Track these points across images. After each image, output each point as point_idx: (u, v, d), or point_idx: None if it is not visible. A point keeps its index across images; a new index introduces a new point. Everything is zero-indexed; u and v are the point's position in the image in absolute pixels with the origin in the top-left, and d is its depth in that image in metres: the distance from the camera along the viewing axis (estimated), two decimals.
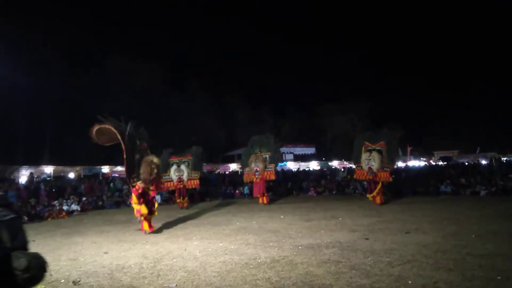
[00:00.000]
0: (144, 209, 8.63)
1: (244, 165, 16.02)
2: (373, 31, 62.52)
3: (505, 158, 28.86)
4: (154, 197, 9.43)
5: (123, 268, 5.69)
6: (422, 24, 56.91)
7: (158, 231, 9.03)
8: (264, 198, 14.56)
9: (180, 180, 14.67)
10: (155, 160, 9.06)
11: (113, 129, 8.63)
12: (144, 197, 8.86)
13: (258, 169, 14.55)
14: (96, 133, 8.81)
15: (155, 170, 8.96)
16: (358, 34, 63.15)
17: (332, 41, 62.19)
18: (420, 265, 5.09)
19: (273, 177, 14.97)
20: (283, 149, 27.66)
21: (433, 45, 58.43)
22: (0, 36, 24.33)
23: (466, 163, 23.26)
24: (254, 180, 14.74)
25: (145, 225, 8.72)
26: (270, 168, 14.82)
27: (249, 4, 59.93)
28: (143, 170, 8.82)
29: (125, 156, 8.71)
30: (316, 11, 63.86)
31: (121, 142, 8.61)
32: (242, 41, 54.76)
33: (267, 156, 14.92)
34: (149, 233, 8.62)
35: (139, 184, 8.70)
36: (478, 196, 14.51)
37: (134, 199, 8.85)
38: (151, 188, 9.12)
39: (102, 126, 8.69)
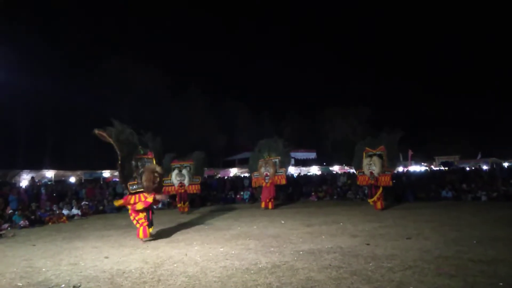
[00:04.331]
0: (140, 205, 8.53)
1: (252, 170, 15.89)
2: (374, 35, 62.78)
3: (506, 164, 28.81)
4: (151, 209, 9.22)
5: (123, 273, 5.68)
6: (423, 28, 57.09)
7: (159, 236, 9.00)
8: (270, 203, 14.47)
9: (181, 184, 14.66)
10: (158, 169, 8.95)
11: (107, 137, 8.60)
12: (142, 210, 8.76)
13: (268, 173, 14.52)
14: (99, 135, 8.79)
15: (158, 179, 8.88)
16: (359, 38, 63.49)
17: (332, 45, 62.41)
18: (421, 271, 5.08)
19: (284, 182, 14.93)
20: None
21: (434, 50, 58.61)
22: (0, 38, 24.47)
23: (467, 169, 23.23)
24: (264, 184, 14.68)
25: (141, 231, 8.40)
26: (281, 172, 14.79)
27: (251, 5, 60.25)
28: (146, 178, 8.66)
29: (119, 163, 8.62)
30: (316, 15, 64.14)
31: (117, 150, 8.56)
32: (242, 44, 55.03)
33: (277, 160, 14.89)
34: (145, 240, 8.31)
35: (138, 205, 8.57)
36: (479, 201, 14.47)
37: (119, 201, 8.79)
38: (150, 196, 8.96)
39: (100, 133, 8.67)
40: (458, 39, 53.41)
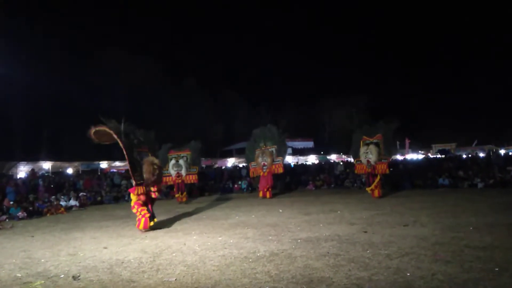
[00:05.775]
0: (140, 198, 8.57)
1: (248, 160, 15.88)
2: (371, 24, 62.33)
3: (502, 151, 28.94)
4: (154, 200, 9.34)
5: (122, 262, 5.70)
6: (421, 20, 56.75)
7: (157, 226, 9.00)
8: (268, 192, 14.52)
9: (178, 175, 14.66)
10: (156, 161, 9.03)
11: (108, 129, 8.56)
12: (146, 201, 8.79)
13: (265, 163, 14.53)
14: (95, 134, 8.74)
15: (157, 171, 8.93)
16: (357, 26, 63.03)
17: (330, 34, 61.92)
18: (418, 258, 5.12)
19: (281, 170, 14.97)
20: None
21: (431, 38, 58.31)
22: None
23: (464, 156, 23.32)
24: (261, 174, 14.71)
25: (142, 222, 8.40)
26: (278, 161, 14.83)
27: None
28: (145, 170, 8.75)
29: (125, 154, 8.65)
30: (317, 7, 63.55)
31: (119, 141, 8.57)
32: (238, 34, 54.57)
33: (274, 149, 14.89)
34: (144, 230, 8.32)
35: (140, 190, 8.60)
36: (475, 188, 14.57)
37: (133, 198, 8.74)
38: (153, 189, 9.04)
39: (99, 128, 8.61)
40: (456, 31, 53.18)
